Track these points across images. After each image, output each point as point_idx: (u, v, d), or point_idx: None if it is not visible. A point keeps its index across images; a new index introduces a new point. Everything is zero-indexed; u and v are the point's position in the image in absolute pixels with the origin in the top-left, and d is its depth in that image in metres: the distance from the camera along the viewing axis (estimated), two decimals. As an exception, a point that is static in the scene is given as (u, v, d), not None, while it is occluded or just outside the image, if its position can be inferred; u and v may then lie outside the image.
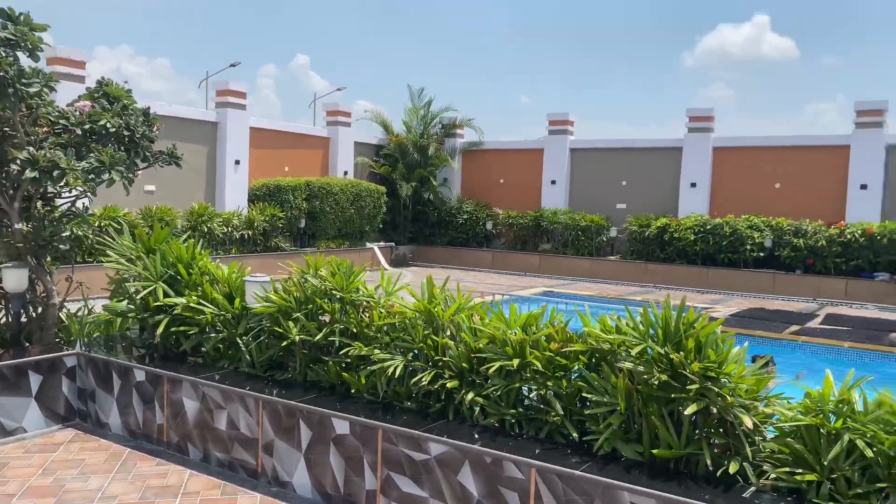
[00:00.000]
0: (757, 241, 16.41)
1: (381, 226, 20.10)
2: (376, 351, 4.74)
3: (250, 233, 15.99)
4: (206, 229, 14.73)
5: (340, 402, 4.69)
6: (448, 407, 4.44)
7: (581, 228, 18.81)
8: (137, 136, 6.67)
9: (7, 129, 6.22)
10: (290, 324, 5.04)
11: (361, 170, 20.96)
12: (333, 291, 5.09)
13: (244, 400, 4.87)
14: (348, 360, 4.91)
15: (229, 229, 15.46)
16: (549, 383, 4.09)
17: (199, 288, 5.80)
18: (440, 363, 4.50)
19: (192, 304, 5.63)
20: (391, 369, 4.49)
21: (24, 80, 5.69)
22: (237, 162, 16.80)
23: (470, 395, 4.29)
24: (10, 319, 6.40)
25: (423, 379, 4.44)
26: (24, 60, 5.97)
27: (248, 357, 5.39)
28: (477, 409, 4.31)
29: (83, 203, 6.72)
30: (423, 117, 21.39)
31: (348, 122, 20.30)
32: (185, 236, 6.53)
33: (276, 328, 5.14)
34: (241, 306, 5.60)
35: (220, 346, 5.59)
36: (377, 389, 4.71)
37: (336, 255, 18.42)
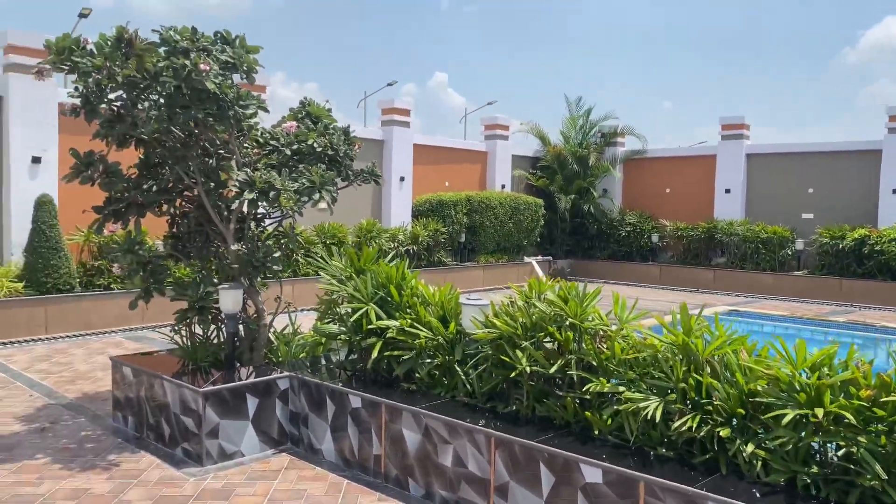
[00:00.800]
0: (981, 254, 14.26)
1: (538, 239, 19.58)
2: (621, 388, 4.21)
3: (415, 248, 16.01)
4: (374, 245, 14.88)
5: (583, 445, 4.18)
6: (719, 458, 3.81)
7: (761, 241, 17.27)
8: (340, 155, 6.59)
9: (222, 151, 6.33)
10: (519, 353, 4.61)
11: (518, 183, 20.57)
12: (565, 318, 4.61)
13: (473, 435, 4.49)
14: (586, 397, 4.41)
15: (395, 245, 15.54)
16: (862, 439, 3.36)
17: (411, 310, 5.53)
18: (707, 407, 3.88)
19: (405, 328, 5.37)
20: (648, 411, 3.92)
21: (241, 103, 5.72)
22: (402, 178, 16.93)
23: (750, 447, 3.64)
24: (220, 339, 6.49)
25: (687, 424, 3.84)
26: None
27: (467, 386, 5.04)
28: (758, 463, 3.65)
29: (289, 223, 6.72)
30: (582, 127, 20.66)
31: (506, 135, 19.99)
32: (391, 255, 6.33)
33: (503, 357, 4.73)
34: (455, 331, 5.27)
35: (435, 372, 5.28)
36: (625, 432, 4.17)
37: (495, 270, 17.96)
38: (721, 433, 3.73)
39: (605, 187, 20.84)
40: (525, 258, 19.09)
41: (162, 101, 5.69)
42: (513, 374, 4.64)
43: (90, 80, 5.51)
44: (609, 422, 4.21)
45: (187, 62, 5.31)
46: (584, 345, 4.53)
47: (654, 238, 19.13)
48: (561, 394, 4.55)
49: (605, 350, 4.46)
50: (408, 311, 5.58)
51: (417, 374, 5.33)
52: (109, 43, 5.45)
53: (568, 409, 4.43)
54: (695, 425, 3.82)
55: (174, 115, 5.48)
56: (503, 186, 19.90)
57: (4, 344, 9.66)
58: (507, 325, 4.77)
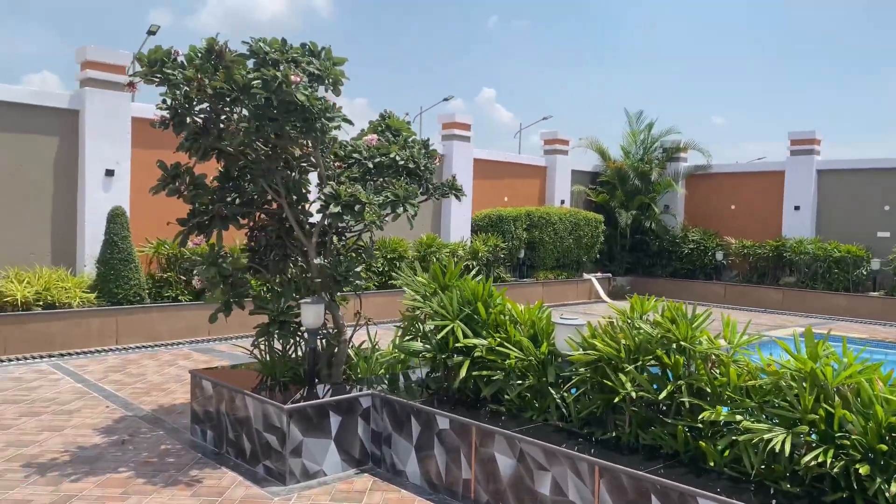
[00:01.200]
0: None
1: (597, 256, 19.20)
2: (738, 417, 3.93)
3: (474, 263, 15.82)
4: (434, 260, 14.77)
5: (697, 477, 3.90)
6: (855, 497, 3.49)
7: (834, 260, 16.58)
8: (421, 168, 6.47)
9: (304, 163, 6.26)
10: (623, 377, 4.37)
11: (576, 198, 20.26)
12: (672, 341, 4.35)
13: (575, 463, 4.26)
14: (698, 425, 4.13)
15: (455, 260, 15.39)
16: None
17: (500, 329, 5.34)
18: (842, 440, 3.58)
19: (494, 347, 5.17)
20: (776, 443, 3.63)
21: (328, 115, 5.63)
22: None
23: (894, 488, 3.32)
24: (298, 354, 6.39)
25: (819, 458, 3.54)
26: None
27: (562, 410, 4.81)
28: (903, 504, 3.33)
29: (369, 237, 6.62)
30: (643, 142, 20.26)
31: (566, 149, 19.73)
32: (474, 272, 6.16)
33: (605, 380, 4.49)
34: (548, 351, 5.05)
35: (526, 394, 5.06)
36: (742, 464, 3.88)
37: (555, 286, 17.55)
38: (860, 470, 3.42)
39: (667, 203, 20.36)
40: (584, 275, 18.73)
41: (246, 112, 5.66)
42: (616, 399, 4.39)
43: (178, 92, 5.51)
44: (727, 453, 3.93)
45: (278, 73, 5.25)
46: (695, 369, 4.26)
47: (719, 256, 18.56)
48: (669, 421, 4.28)
49: (718, 376, 4.18)
50: (496, 329, 5.38)
51: (507, 396, 5.12)
52: (200, 55, 5.44)
53: (678, 437, 4.16)
54: (828, 460, 3.52)
55: (262, 126, 5.42)
56: (562, 202, 19.62)
57: (78, 354, 9.79)
58: (608, 346, 4.53)
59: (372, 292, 13.28)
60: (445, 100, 24.31)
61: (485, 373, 5.20)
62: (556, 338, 5.00)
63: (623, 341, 4.52)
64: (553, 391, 4.89)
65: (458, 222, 16.83)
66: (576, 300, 18.04)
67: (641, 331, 4.49)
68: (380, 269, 13.80)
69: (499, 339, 5.21)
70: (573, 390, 4.80)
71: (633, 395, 4.30)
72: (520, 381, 5.07)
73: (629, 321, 4.65)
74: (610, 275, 19.53)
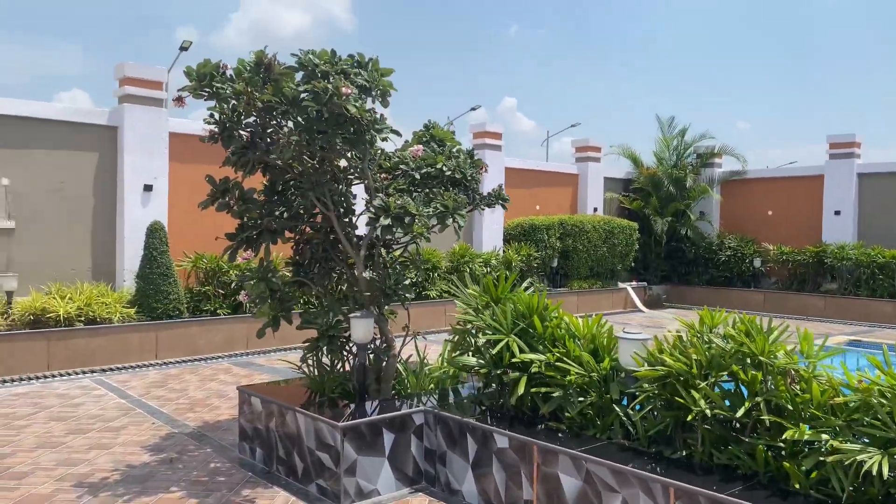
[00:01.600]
0: None
1: (632, 264, 18.92)
2: (824, 436, 3.72)
3: (508, 273, 15.64)
4: (467, 270, 14.63)
5: (783, 500, 3.70)
6: (962, 523, 3.28)
7: (878, 265, 16.13)
8: (467, 178, 6.34)
9: (351, 176, 6.17)
10: (696, 393, 4.18)
11: (609, 205, 20.01)
12: (748, 356, 4.16)
13: (647, 484, 4.07)
14: (779, 445, 3.93)
15: (488, 270, 15.24)
16: None
17: (558, 343, 5.17)
18: (942, 461, 3.36)
19: (553, 362, 5.01)
20: (871, 465, 3.42)
21: (377, 127, 5.54)
22: (494, 202, 16.66)
23: None
24: (345, 369, 6.28)
25: (918, 481, 3.32)
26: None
27: (629, 428, 4.62)
28: None
29: (415, 249, 6.50)
30: (676, 148, 19.98)
31: (598, 157, 19.50)
32: (525, 284, 6.01)
33: (677, 398, 4.30)
34: (610, 366, 4.87)
35: (588, 412, 4.88)
36: (828, 486, 3.67)
37: (589, 296, 17.26)
38: (967, 495, 3.20)
39: (702, 210, 20.02)
40: (619, 284, 18.46)
41: (292, 125, 5.59)
42: (689, 417, 4.20)
43: (227, 106, 5.45)
44: (814, 474, 3.73)
45: (329, 86, 5.16)
46: (773, 385, 4.06)
47: (757, 263, 18.17)
48: (746, 440, 4.08)
49: (799, 392, 3.98)
50: (554, 343, 5.22)
51: (567, 413, 4.95)
52: (249, 68, 5.37)
53: (757, 457, 3.96)
54: (930, 484, 3.30)
55: (313, 139, 5.34)
56: (595, 209, 19.38)
57: (120, 369, 9.79)
58: (678, 362, 4.34)
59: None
60: (473, 109, 24.23)
61: (543, 389, 5.04)
62: (620, 353, 4.82)
63: (694, 356, 4.33)
64: (618, 409, 4.71)
65: (491, 232, 16.68)
66: (611, 309, 17.76)
67: (713, 345, 4.30)
68: (414, 280, 13.68)
69: (557, 355, 5.05)
70: (638, 407, 4.62)
71: (707, 412, 4.11)
72: (581, 398, 4.90)
73: (699, 335, 4.46)
74: (645, 283, 19.22)
